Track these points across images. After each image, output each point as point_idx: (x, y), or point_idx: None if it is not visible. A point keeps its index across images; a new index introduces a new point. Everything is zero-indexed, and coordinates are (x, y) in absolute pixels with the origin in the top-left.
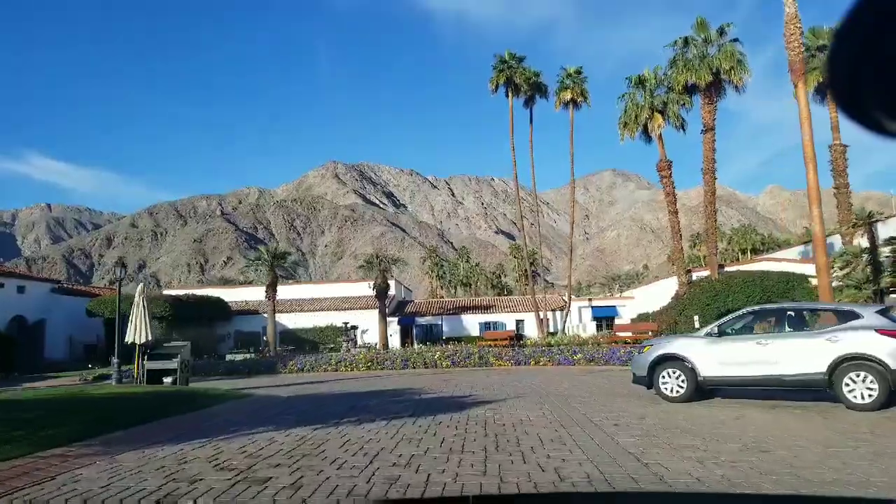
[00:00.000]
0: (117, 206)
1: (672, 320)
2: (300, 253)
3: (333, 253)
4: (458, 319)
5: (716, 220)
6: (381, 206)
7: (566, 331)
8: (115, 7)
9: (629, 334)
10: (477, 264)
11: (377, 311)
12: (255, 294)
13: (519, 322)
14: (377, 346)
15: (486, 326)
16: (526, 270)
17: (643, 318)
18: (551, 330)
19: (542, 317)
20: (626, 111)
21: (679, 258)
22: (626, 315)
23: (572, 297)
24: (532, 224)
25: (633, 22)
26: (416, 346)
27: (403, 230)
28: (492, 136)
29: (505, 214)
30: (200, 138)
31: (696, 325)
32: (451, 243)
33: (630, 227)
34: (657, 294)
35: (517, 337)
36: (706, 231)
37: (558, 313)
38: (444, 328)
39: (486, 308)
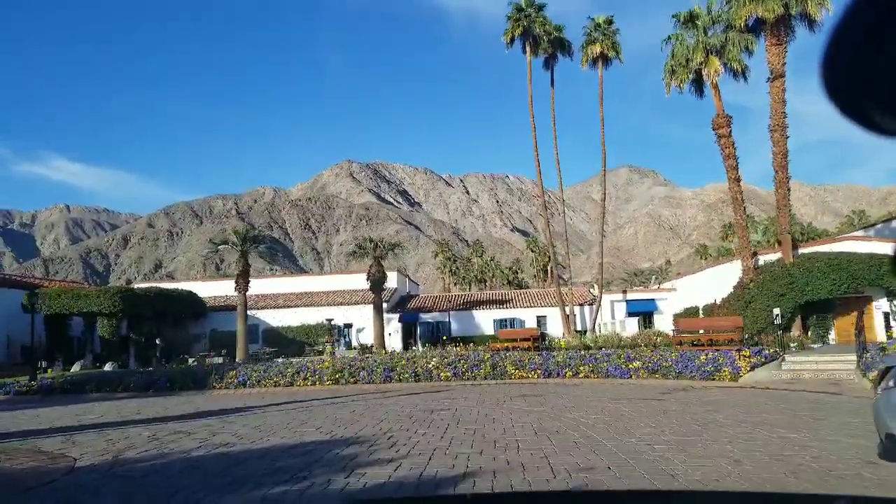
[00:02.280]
0: (134, 206)
1: (735, 313)
2: (315, 252)
3: (348, 252)
4: (468, 316)
5: (788, 190)
6: (396, 204)
7: (597, 328)
8: (129, 8)
9: (699, 332)
10: (492, 259)
11: (372, 306)
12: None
13: (540, 318)
14: (372, 348)
15: (501, 324)
16: (546, 264)
17: (691, 312)
18: (578, 328)
19: (567, 312)
20: (673, 55)
21: (744, 236)
22: (666, 310)
23: (602, 290)
24: (553, 215)
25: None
26: (419, 347)
27: (418, 228)
28: (506, 133)
29: (520, 212)
30: (216, 139)
31: (777, 319)
32: (467, 241)
33: (647, 223)
34: (706, 284)
35: (541, 337)
36: (777, 202)
37: (586, 309)
38: (453, 326)
39: (501, 303)
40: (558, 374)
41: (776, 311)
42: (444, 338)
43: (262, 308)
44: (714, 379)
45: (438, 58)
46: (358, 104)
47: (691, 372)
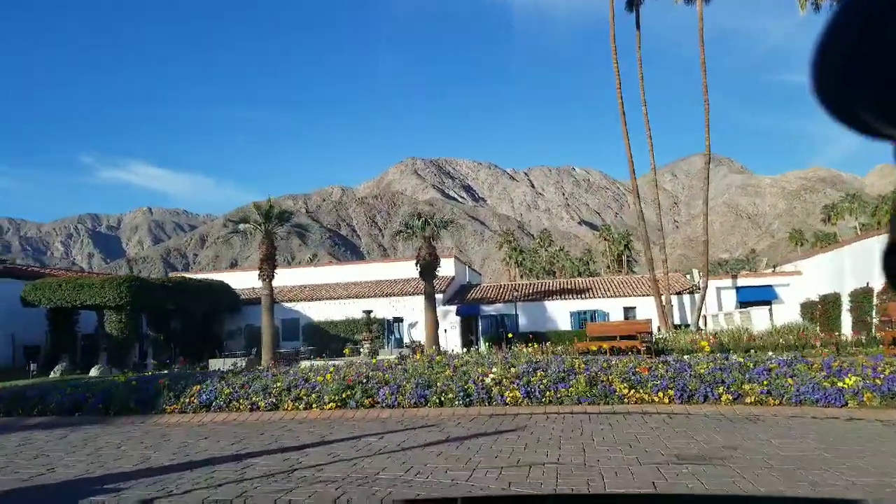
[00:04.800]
0: (211, 207)
1: None
2: (381, 248)
3: (410, 255)
4: (539, 308)
5: None
6: (460, 200)
7: (701, 322)
8: (197, 25)
9: None
10: (561, 249)
11: (424, 297)
12: (284, 278)
13: (628, 310)
14: (421, 345)
15: (579, 317)
16: (621, 254)
17: (830, 300)
18: (675, 321)
19: (664, 302)
20: None
21: None
22: (789, 297)
23: (707, 275)
24: (621, 207)
25: None
26: (481, 345)
27: (483, 223)
28: (572, 125)
29: (587, 204)
30: (286, 142)
31: None
32: (532, 235)
33: (724, 213)
34: (847, 265)
35: (645, 334)
36: None
37: (685, 298)
38: (521, 320)
39: (579, 292)
40: (705, 397)
41: None
42: (510, 335)
43: (304, 300)
44: None
45: (501, 51)
46: (421, 101)
47: None
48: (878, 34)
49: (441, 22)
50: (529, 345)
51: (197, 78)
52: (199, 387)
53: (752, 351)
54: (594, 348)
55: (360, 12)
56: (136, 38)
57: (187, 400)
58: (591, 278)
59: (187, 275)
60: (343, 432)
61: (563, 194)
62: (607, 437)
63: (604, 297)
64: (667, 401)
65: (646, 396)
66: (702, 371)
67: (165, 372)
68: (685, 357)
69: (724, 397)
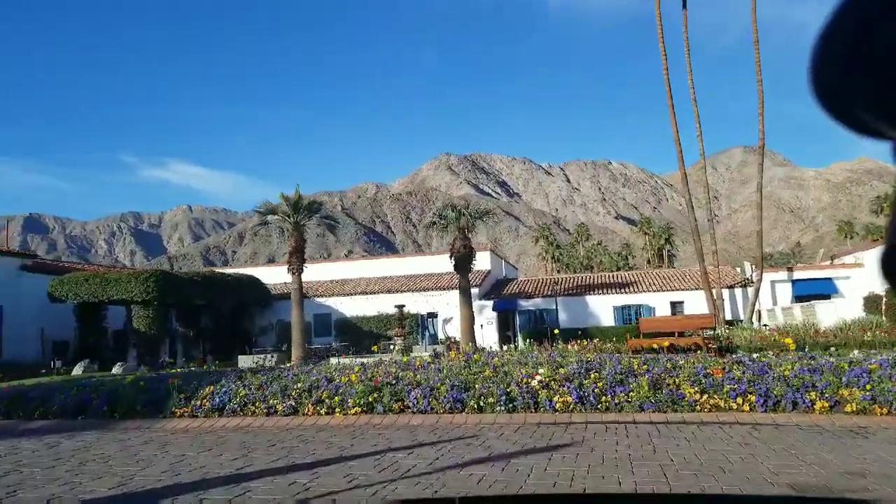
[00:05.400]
0: (249, 205)
1: None
2: (416, 245)
3: (445, 249)
4: (580, 303)
5: None
6: (495, 195)
7: (754, 318)
8: (231, 25)
9: None
10: (599, 243)
11: (459, 291)
12: (317, 273)
13: (675, 304)
14: (456, 341)
15: (624, 312)
16: (661, 248)
17: None
18: (727, 316)
19: (714, 296)
20: None
21: None
22: (849, 291)
23: (762, 267)
24: (659, 202)
25: None
26: (519, 341)
27: (518, 219)
28: (607, 118)
29: (624, 199)
30: (322, 139)
31: None
32: (568, 231)
33: (766, 207)
34: None
35: (707, 330)
36: None
37: (737, 292)
38: (561, 315)
39: (622, 287)
40: (794, 404)
41: None
42: (556, 331)
43: (335, 295)
44: None
45: (535, 45)
46: (454, 97)
47: None
48: (877, 34)
49: (475, 16)
50: (576, 342)
51: (233, 77)
52: (212, 388)
53: (833, 349)
54: (648, 346)
55: (395, 10)
56: (174, 40)
57: (198, 402)
58: (635, 272)
59: (218, 269)
60: (366, 444)
61: (600, 189)
62: (688, 456)
63: (649, 291)
64: (747, 408)
65: (721, 403)
66: (786, 373)
67: (178, 370)
68: (755, 355)
69: (818, 405)
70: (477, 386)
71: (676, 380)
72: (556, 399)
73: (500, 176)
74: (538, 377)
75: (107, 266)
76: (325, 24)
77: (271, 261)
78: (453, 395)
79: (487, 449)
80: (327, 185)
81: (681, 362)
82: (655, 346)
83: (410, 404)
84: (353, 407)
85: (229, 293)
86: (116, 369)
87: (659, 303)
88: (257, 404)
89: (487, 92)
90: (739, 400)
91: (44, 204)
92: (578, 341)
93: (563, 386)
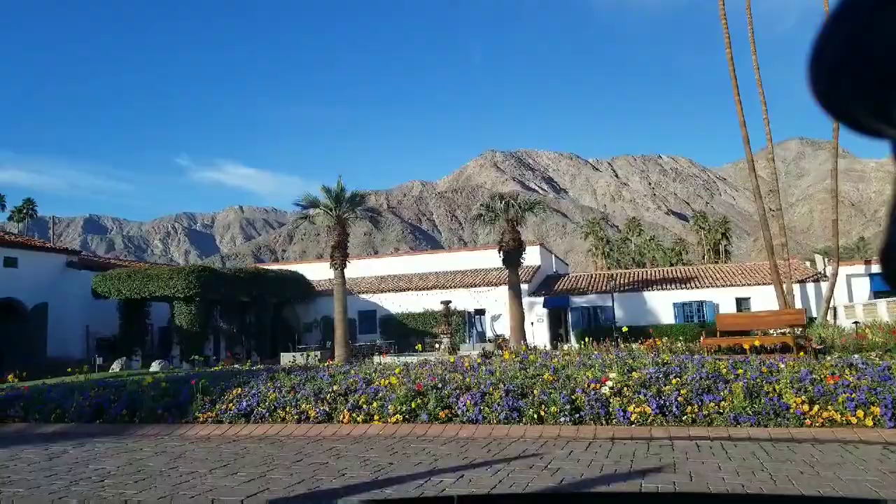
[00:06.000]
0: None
1: None
2: (462, 242)
3: (492, 244)
4: (637, 299)
5: None
6: (541, 192)
7: (830, 316)
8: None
9: None
10: (652, 238)
11: (508, 287)
12: (361, 269)
13: (741, 301)
14: (505, 340)
15: (686, 309)
16: (717, 242)
17: None
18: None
19: (785, 292)
20: None
21: None
22: None
23: (838, 260)
24: (711, 196)
25: None
26: (572, 341)
27: (565, 215)
28: (657, 112)
29: (675, 194)
30: (366, 139)
31: None
32: (617, 227)
33: (824, 200)
34: None
35: (798, 327)
36: None
37: (809, 287)
38: (617, 312)
39: (682, 282)
40: None
41: None
42: (624, 329)
43: (380, 291)
44: None
45: (582, 39)
46: (499, 94)
47: None
48: (875, 33)
49: (520, 11)
50: (641, 341)
51: (281, 76)
52: (239, 390)
53: None
54: (727, 345)
55: (440, 7)
56: (224, 41)
57: (223, 407)
58: (696, 266)
59: (261, 265)
60: (407, 462)
61: (649, 183)
62: (822, 488)
63: (712, 286)
64: (870, 422)
65: (837, 416)
66: None
67: (218, 368)
68: (856, 356)
69: None
70: (535, 392)
71: (776, 387)
72: (631, 409)
73: (546, 172)
74: (609, 383)
75: (145, 262)
76: (371, 23)
77: (319, 258)
78: (508, 402)
79: (557, 474)
80: (373, 183)
81: (780, 366)
82: (729, 345)
83: (459, 412)
84: (394, 414)
85: (273, 289)
86: (155, 366)
87: (723, 299)
88: (288, 409)
89: (533, 87)
90: (860, 413)
91: (103, 205)
92: (644, 340)
93: (639, 393)
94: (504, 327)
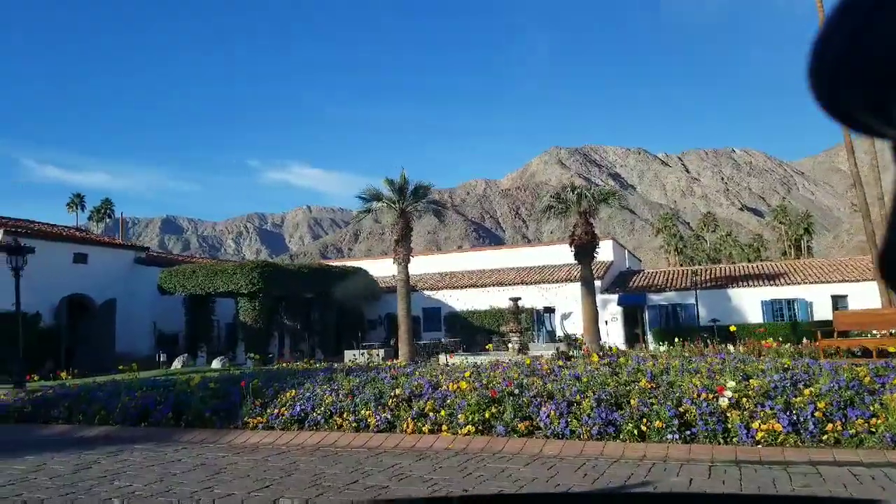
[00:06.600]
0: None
1: None
2: (526, 240)
3: (560, 239)
4: (720, 296)
5: None
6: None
7: None
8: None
9: None
10: (728, 234)
11: (581, 283)
12: (426, 265)
13: (838, 298)
14: (581, 339)
15: (775, 307)
16: (800, 238)
17: None
18: None
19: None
20: None
21: None
22: None
23: None
24: (789, 191)
25: None
26: (650, 341)
27: (632, 212)
28: (728, 103)
29: (749, 189)
30: (431, 137)
31: None
32: (688, 223)
33: None
34: None
35: None
36: None
37: None
38: (700, 311)
39: (770, 278)
40: None
41: None
42: (732, 328)
43: (445, 288)
44: None
45: (648, 29)
46: (564, 89)
47: None
48: (875, 33)
49: (583, 3)
50: (742, 341)
51: (340, 83)
52: (293, 392)
53: None
54: (847, 348)
55: (503, 8)
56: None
57: (275, 411)
58: (785, 261)
59: (324, 262)
60: (483, 490)
61: (722, 178)
62: None
63: (804, 282)
64: None
65: None
66: None
67: (283, 365)
68: None
69: None
70: (633, 402)
71: None
72: (755, 425)
73: (613, 168)
74: (727, 393)
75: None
76: (436, 23)
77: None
78: (601, 414)
79: None
80: (437, 182)
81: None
82: (850, 347)
83: (541, 424)
84: (465, 425)
85: (337, 286)
86: (216, 364)
87: (816, 296)
88: (345, 415)
89: (598, 81)
90: None
91: (179, 206)
92: (744, 341)
93: (762, 406)
94: (575, 326)
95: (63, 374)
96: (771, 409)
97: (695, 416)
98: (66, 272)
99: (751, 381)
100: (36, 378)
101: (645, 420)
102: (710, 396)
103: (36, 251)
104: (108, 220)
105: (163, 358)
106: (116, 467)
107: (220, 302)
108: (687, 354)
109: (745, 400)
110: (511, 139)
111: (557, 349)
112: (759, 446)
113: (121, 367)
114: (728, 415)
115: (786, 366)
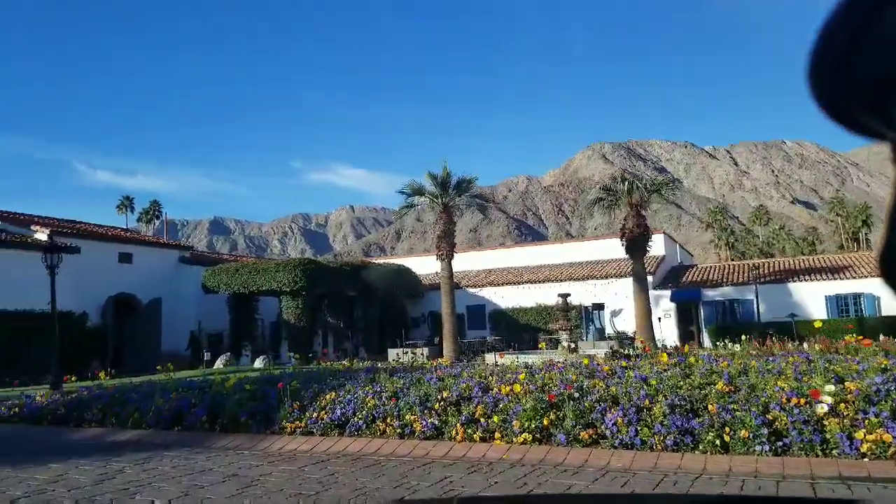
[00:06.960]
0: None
1: None
2: (569, 237)
3: (607, 234)
4: (781, 292)
5: None
6: None
7: None
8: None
9: None
10: (781, 227)
11: (632, 279)
12: (470, 262)
13: None
14: (638, 336)
15: (840, 302)
16: (858, 230)
17: None
18: None
19: None
20: None
21: None
22: None
23: None
24: (843, 183)
25: None
26: (705, 338)
27: (679, 207)
28: (778, 94)
29: (801, 181)
30: (472, 135)
31: None
32: (738, 218)
33: None
34: None
35: None
36: None
37: None
38: (760, 307)
39: (834, 271)
40: None
41: None
42: (818, 324)
43: (489, 285)
44: None
45: (696, 20)
46: (606, 83)
47: None
48: (874, 34)
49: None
50: (816, 339)
51: (385, 78)
52: (333, 395)
53: None
54: None
55: (541, 5)
56: (330, 45)
57: (314, 415)
58: (849, 254)
59: (367, 259)
60: None
61: (773, 171)
62: None
63: (871, 276)
64: None
65: None
66: None
67: (326, 364)
68: None
69: None
70: (711, 408)
71: None
72: (860, 435)
73: (658, 162)
74: (825, 398)
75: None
76: (476, 22)
77: (426, 252)
78: (676, 421)
79: None
80: (478, 180)
81: None
82: None
83: (607, 433)
84: (521, 432)
85: (381, 284)
86: (258, 363)
87: (885, 291)
88: (389, 420)
89: (642, 74)
90: None
91: (227, 208)
92: (816, 338)
93: (864, 413)
94: (625, 323)
95: (101, 375)
96: (876, 416)
97: (786, 424)
98: (111, 272)
99: (846, 383)
100: (73, 379)
101: (726, 428)
102: (803, 402)
103: (82, 251)
104: (156, 221)
105: (207, 357)
106: (142, 478)
107: (264, 301)
108: (754, 352)
109: (842, 406)
110: (552, 135)
111: (611, 347)
112: (865, 460)
113: (158, 368)
114: (826, 423)
115: (884, 366)
